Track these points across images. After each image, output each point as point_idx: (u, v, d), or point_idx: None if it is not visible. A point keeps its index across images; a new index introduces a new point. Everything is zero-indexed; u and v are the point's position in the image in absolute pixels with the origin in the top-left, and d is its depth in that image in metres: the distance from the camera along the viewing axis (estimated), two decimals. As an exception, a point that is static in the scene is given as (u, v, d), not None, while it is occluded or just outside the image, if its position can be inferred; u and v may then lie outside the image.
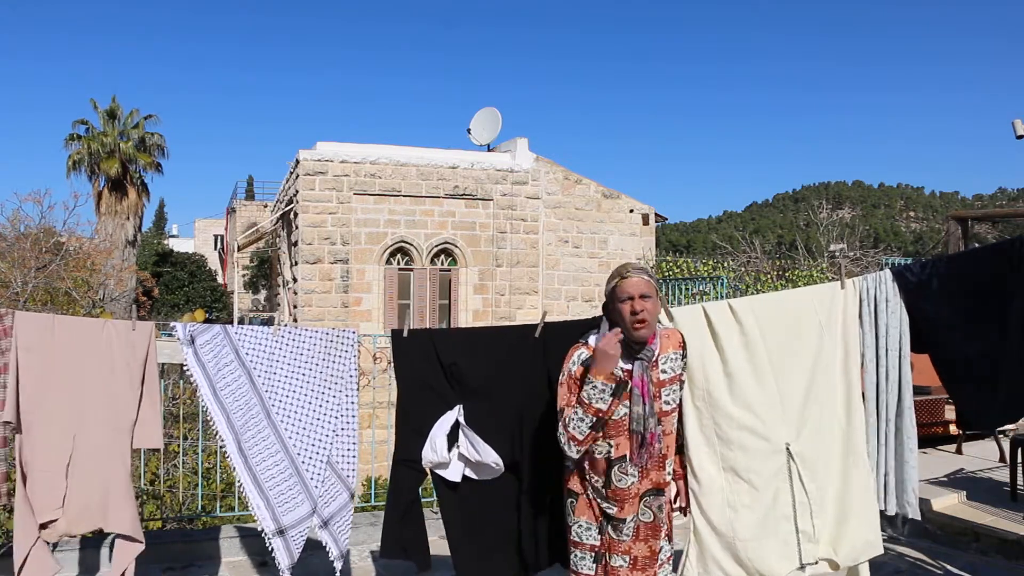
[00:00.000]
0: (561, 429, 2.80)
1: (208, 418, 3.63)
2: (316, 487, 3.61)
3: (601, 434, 2.82)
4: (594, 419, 2.72)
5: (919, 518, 3.46)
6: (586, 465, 2.90)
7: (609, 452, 2.83)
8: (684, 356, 3.00)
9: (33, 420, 3.38)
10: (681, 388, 3.02)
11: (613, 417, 2.80)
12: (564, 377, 2.85)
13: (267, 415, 3.63)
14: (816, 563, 3.30)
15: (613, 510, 2.85)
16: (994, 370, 3.35)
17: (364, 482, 10.81)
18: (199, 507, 7.45)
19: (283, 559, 3.55)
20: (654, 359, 2.85)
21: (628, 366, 2.81)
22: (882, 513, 3.45)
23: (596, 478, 2.88)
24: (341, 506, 3.67)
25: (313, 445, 3.64)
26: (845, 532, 3.33)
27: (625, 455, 2.82)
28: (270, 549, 3.57)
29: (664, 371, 2.89)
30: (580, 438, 2.75)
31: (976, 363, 3.37)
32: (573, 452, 2.79)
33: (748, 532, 3.19)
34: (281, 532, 3.56)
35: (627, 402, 2.80)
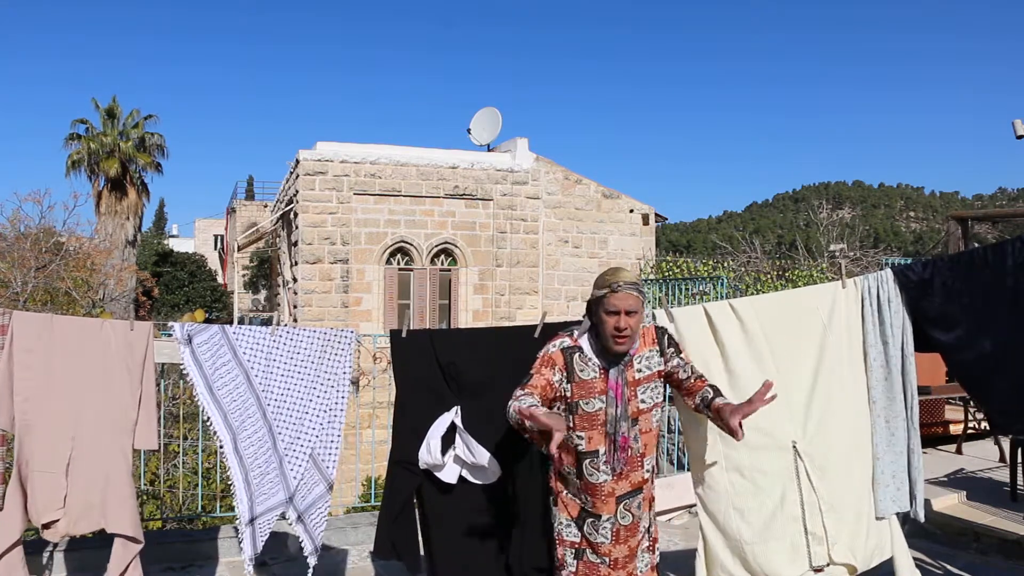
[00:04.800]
0: (517, 390, 2.73)
1: (207, 418, 3.63)
2: (294, 479, 3.61)
3: (573, 423, 2.84)
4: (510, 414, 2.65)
5: (923, 519, 3.45)
6: (560, 454, 2.92)
7: (580, 445, 2.85)
8: (661, 352, 2.97)
9: (32, 420, 3.37)
10: (663, 384, 2.99)
11: (587, 409, 2.82)
12: (541, 354, 2.89)
13: (263, 414, 3.64)
14: (828, 565, 3.26)
15: (588, 505, 2.87)
16: (1013, 373, 3.32)
17: (364, 482, 10.82)
18: (199, 507, 7.46)
19: (247, 549, 3.53)
20: (628, 360, 2.86)
21: (604, 366, 2.84)
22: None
23: (569, 469, 2.91)
24: (317, 497, 3.64)
25: (298, 439, 3.63)
26: (860, 536, 3.30)
27: (597, 450, 2.84)
28: (239, 539, 3.52)
29: (640, 370, 2.89)
30: (513, 414, 2.65)
31: (992, 365, 3.34)
32: (509, 413, 2.68)
33: (754, 535, 3.17)
34: (252, 521, 3.55)
35: (603, 397, 2.82)
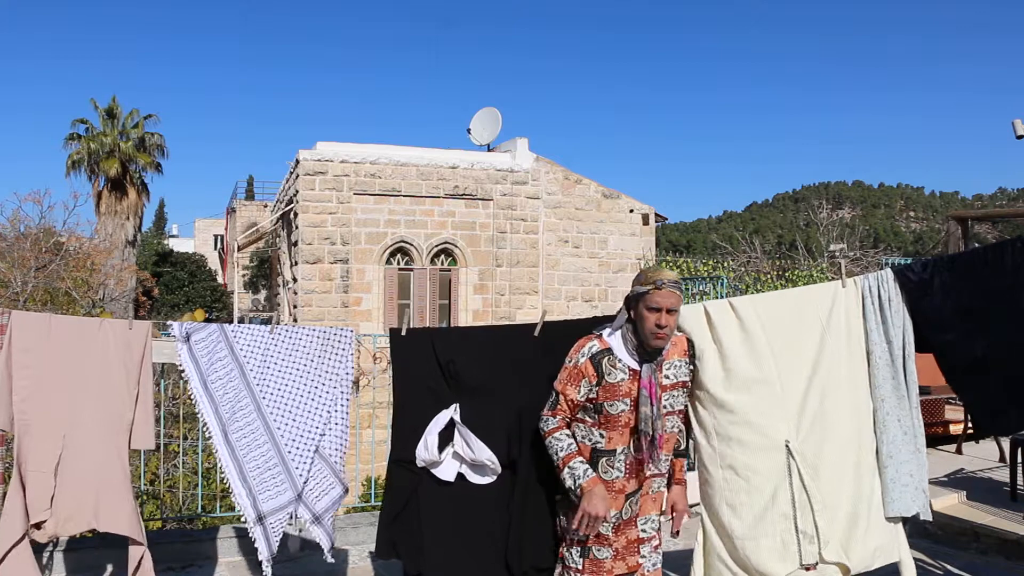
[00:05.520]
0: (546, 413, 2.94)
1: (201, 412, 3.63)
2: (301, 475, 3.59)
3: (596, 421, 2.87)
4: (555, 463, 2.89)
5: (930, 518, 3.44)
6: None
7: (599, 443, 2.88)
8: (690, 363, 3.05)
9: (31, 420, 3.37)
10: (684, 394, 3.06)
11: (610, 412, 2.85)
12: (570, 364, 2.92)
13: (257, 407, 3.63)
14: (816, 564, 3.26)
15: None
16: (1006, 373, 3.32)
17: (364, 482, 10.82)
18: (199, 507, 7.47)
19: (263, 549, 3.53)
20: (658, 364, 2.89)
21: (636, 367, 2.85)
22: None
23: None
24: (333, 501, 3.66)
25: (301, 435, 3.63)
26: (856, 536, 3.29)
27: (615, 449, 2.87)
28: (252, 539, 3.53)
29: (667, 376, 2.93)
30: (552, 457, 2.91)
31: (986, 366, 3.34)
32: (547, 443, 2.94)
33: (744, 530, 3.18)
34: (260, 519, 3.55)
35: (627, 400, 2.84)
